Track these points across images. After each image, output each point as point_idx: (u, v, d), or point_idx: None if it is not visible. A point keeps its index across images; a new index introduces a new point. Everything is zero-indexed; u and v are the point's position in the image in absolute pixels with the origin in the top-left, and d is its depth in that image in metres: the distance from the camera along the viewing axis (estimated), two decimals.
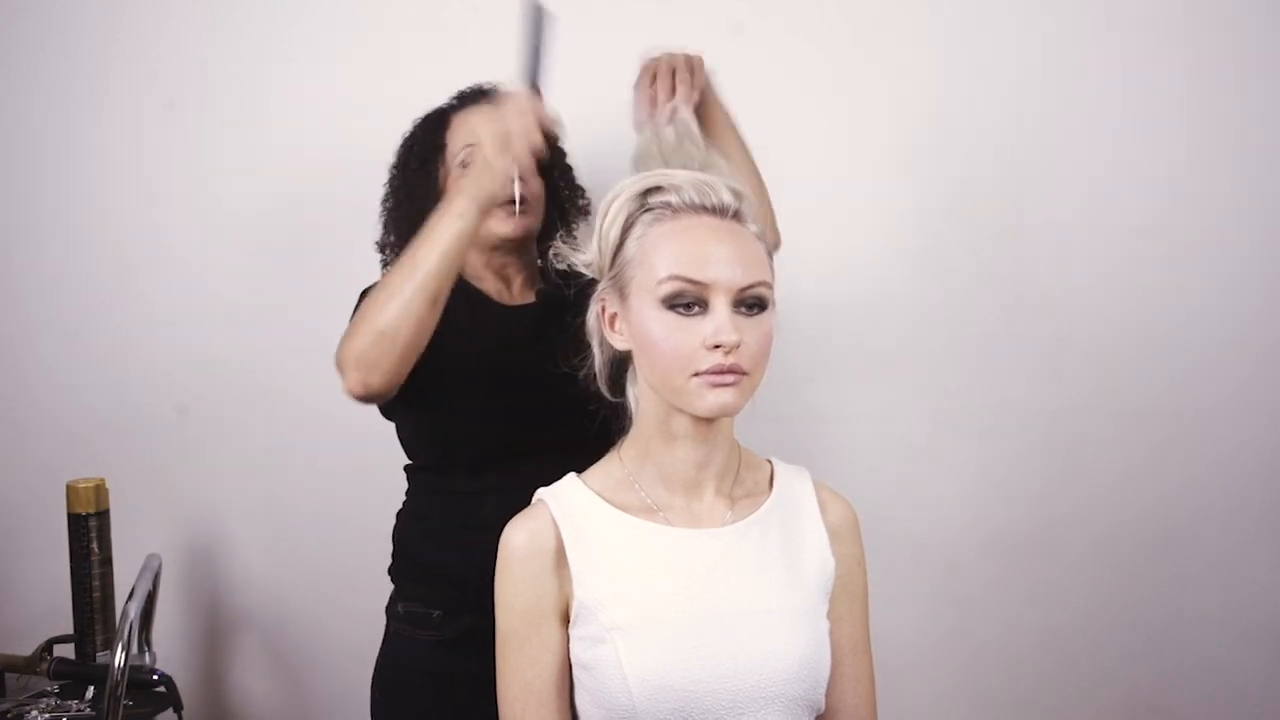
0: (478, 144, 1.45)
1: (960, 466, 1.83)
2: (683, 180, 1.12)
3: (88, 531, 1.86)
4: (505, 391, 1.45)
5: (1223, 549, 1.80)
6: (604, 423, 1.50)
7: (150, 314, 2.04)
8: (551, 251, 1.22)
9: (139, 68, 2.01)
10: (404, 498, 1.60)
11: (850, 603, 1.20)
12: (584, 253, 1.18)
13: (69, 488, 1.87)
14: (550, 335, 1.44)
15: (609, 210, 1.15)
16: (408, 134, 1.59)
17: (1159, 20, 1.75)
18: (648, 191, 1.13)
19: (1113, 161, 1.77)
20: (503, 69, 1.80)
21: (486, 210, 1.36)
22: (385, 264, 1.60)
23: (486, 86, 1.58)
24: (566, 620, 1.12)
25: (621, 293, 1.14)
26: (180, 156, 2.00)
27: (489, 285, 1.55)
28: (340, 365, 1.35)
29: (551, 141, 1.39)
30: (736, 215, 1.12)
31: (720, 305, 1.07)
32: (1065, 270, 1.79)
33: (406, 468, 1.59)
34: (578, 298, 1.26)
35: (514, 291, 1.57)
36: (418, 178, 1.54)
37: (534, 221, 1.53)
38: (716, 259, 1.08)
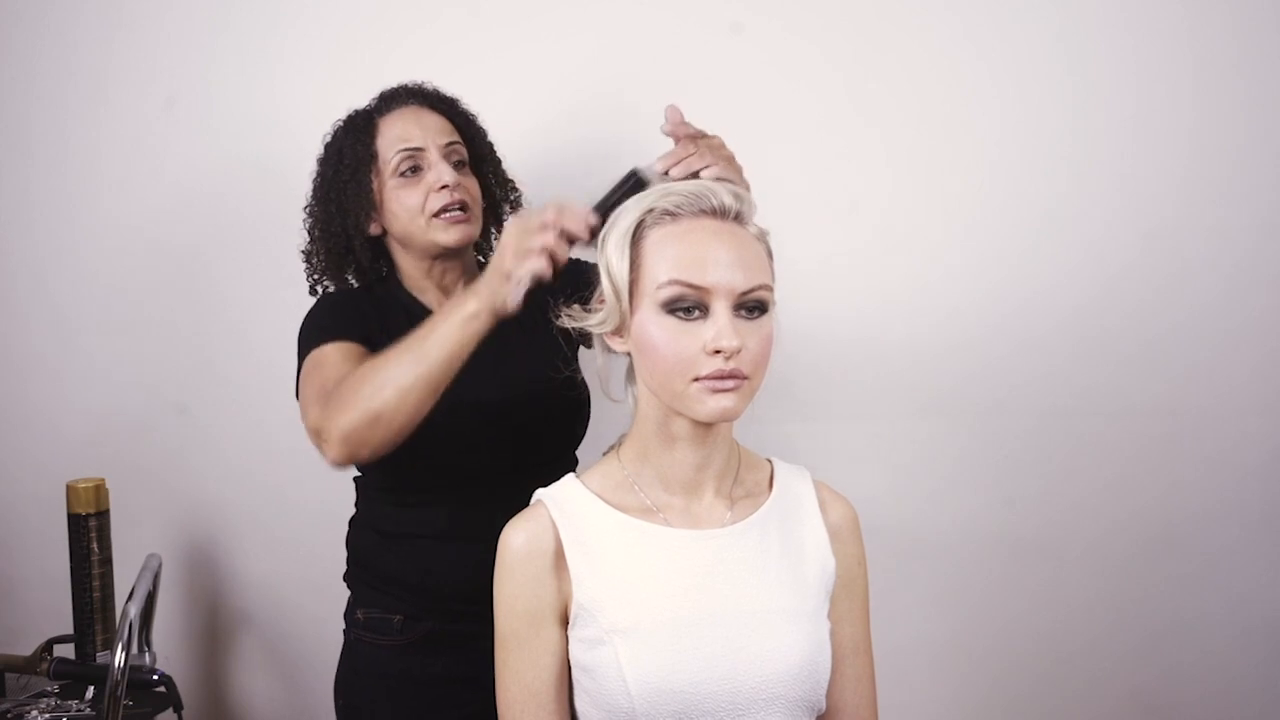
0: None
1: (959, 466, 1.83)
2: (680, 185, 1.12)
3: (88, 531, 1.86)
4: (451, 410, 1.40)
5: (1223, 549, 1.80)
6: (561, 439, 1.51)
7: (151, 313, 2.04)
8: (564, 315, 1.18)
9: (139, 67, 2.01)
10: (354, 506, 1.59)
11: (851, 603, 1.20)
12: (594, 314, 1.16)
13: (69, 488, 1.87)
14: (492, 352, 1.43)
15: (607, 248, 1.12)
16: (331, 139, 1.53)
17: (1165, 20, 1.75)
18: (646, 213, 1.11)
19: (1110, 162, 1.77)
20: (501, 69, 1.81)
21: (499, 315, 1.26)
22: (313, 277, 1.57)
23: (411, 85, 1.54)
24: (566, 622, 1.12)
25: None
26: (180, 156, 2.00)
27: (431, 297, 1.53)
28: (321, 434, 1.31)
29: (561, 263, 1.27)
30: (738, 217, 1.12)
31: (721, 309, 1.07)
32: (1063, 270, 1.79)
33: (356, 479, 1.58)
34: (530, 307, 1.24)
35: None
36: (350, 189, 1.49)
37: (475, 227, 1.51)
38: (716, 262, 1.07)
